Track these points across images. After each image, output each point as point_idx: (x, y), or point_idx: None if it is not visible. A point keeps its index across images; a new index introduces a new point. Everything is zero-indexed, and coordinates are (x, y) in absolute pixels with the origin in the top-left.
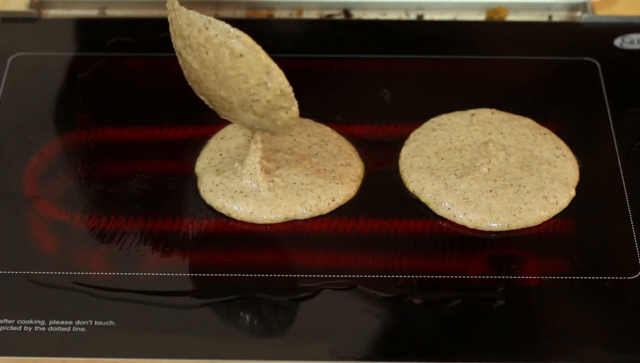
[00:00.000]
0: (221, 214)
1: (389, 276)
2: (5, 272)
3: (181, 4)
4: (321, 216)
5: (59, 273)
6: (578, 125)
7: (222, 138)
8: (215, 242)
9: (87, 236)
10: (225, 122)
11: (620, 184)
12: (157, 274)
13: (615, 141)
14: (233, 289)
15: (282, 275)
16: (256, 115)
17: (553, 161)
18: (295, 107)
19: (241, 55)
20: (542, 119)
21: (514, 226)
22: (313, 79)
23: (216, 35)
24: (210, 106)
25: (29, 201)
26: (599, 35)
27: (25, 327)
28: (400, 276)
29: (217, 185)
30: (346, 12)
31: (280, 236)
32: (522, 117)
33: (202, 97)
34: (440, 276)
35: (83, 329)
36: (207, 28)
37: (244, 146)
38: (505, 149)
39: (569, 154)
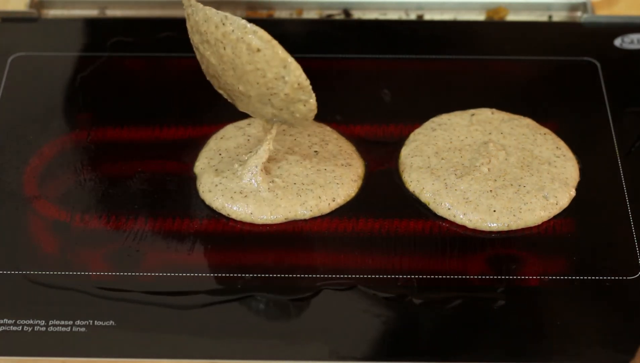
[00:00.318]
0: (221, 214)
1: (389, 276)
2: (5, 272)
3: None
4: (321, 216)
5: (59, 273)
6: (578, 125)
7: (221, 138)
8: (215, 242)
9: (87, 236)
10: (225, 122)
11: (620, 184)
12: (157, 274)
13: (615, 141)
14: (233, 289)
15: (282, 275)
16: (275, 108)
17: (553, 161)
18: (313, 100)
19: (258, 50)
20: (542, 119)
21: (514, 226)
22: (313, 79)
23: (233, 31)
24: (229, 100)
25: (29, 201)
26: (599, 35)
27: (25, 327)
28: (400, 276)
29: (216, 185)
30: (346, 12)
31: (280, 236)
32: (522, 117)
33: (220, 91)
34: (440, 276)
35: (83, 329)
36: (224, 24)
37: (244, 145)
38: (505, 149)
39: (569, 154)
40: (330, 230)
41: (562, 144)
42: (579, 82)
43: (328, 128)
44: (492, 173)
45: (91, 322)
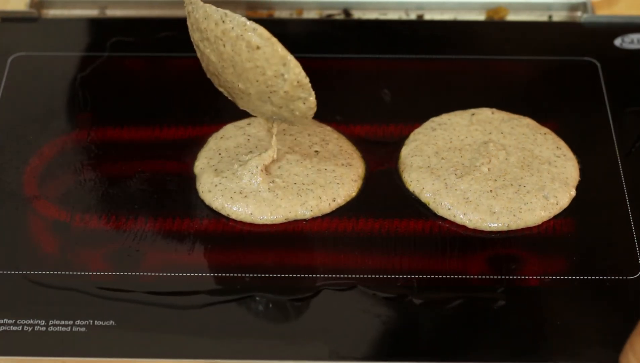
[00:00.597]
0: (221, 214)
1: (389, 276)
2: (5, 272)
3: None
4: (321, 216)
5: (59, 273)
6: (578, 125)
7: (221, 138)
8: (215, 242)
9: (87, 236)
10: (225, 122)
11: (620, 184)
12: (157, 274)
13: (615, 141)
14: (233, 289)
15: (282, 275)
16: (274, 106)
17: (553, 161)
18: (312, 98)
19: (258, 47)
20: (542, 119)
21: (514, 226)
22: (313, 79)
23: (232, 28)
24: (229, 98)
25: (29, 201)
26: (599, 35)
27: (25, 327)
28: (400, 276)
29: (215, 186)
30: (346, 12)
31: (280, 236)
32: (522, 117)
33: (220, 89)
34: (440, 276)
35: (83, 329)
36: (223, 21)
37: (244, 145)
38: (505, 149)
39: (569, 154)
40: (330, 230)
41: (562, 144)
42: (579, 82)
43: (328, 128)
44: (492, 173)
45: (91, 321)
